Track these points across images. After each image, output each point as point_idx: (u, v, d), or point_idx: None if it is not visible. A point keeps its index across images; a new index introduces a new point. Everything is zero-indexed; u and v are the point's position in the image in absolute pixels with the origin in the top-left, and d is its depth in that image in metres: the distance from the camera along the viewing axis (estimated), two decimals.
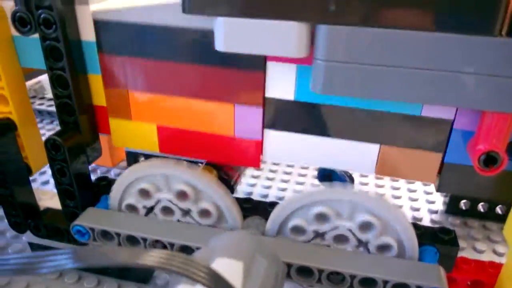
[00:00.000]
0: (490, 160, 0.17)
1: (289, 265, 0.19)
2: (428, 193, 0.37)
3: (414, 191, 0.37)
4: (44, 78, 0.49)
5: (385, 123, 0.18)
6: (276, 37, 0.16)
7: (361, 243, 0.19)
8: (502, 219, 0.32)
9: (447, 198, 0.35)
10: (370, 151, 0.19)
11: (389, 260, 0.19)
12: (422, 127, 0.18)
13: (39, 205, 0.25)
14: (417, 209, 0.35)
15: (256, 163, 0.21)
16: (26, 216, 0.24)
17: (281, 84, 0.19)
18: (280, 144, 0.20)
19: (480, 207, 0.34)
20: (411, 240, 0.19)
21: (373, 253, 0.19)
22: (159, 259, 0.14)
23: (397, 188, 0.38)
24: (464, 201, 0.34)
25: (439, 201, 0.36)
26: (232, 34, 0.17)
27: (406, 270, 0.19)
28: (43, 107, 0.42)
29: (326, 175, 0.28)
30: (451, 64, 0.15)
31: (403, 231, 0.19)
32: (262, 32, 0.16)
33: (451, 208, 0.34)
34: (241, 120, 0.20)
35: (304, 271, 0.19)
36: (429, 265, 0.19)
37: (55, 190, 0.23)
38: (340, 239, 0.20)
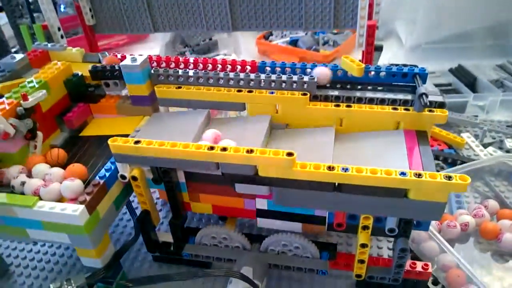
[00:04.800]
0: (339, 225, 0.47)
1: (269, 264, 0.49)
2: None
3: None
4: None
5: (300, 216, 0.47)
6: (259, 190, 0.45)
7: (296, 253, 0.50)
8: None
9: None
10: (298, 225, 0.49)
11: (306, 259, 0.49)
12: (317, 217, 0.47)
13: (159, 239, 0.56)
14: None
15: (253, 217, 0.51)
16: (153, 245, 0.55)
17: (261, 203, 0.48)
18: (263, 221, 0.50)
19: None
20: (316, 252, 0.49)
21: (301, 256, 0.50)
22: (223, 272, 0.44)
23: None
24: None
25: None
26: (240, 186, 0.45)
27: (312, 263, 0.49)
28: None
29: None
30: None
31: (313, 249, 0.49)
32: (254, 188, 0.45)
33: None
34: (247, 203, 0.49)
35: (274, 265, 0.50)
36: (322, 261, 0.49)
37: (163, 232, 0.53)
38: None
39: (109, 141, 0.45)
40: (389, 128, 0.52)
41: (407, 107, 0.50)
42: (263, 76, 0.53)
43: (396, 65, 0.55)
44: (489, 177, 0.65)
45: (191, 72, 0.55)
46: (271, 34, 1.17)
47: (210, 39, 1.13)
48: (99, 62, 0.64)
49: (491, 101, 0.80)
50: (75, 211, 0.43)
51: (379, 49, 0.68)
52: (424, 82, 0.53)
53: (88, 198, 0.45)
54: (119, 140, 0.45)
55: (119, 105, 0.59)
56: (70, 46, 0.66)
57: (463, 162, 0.68)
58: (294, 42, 1.10)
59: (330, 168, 0.41)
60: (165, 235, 0.55)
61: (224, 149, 0.43)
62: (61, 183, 0.46)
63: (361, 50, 0.72)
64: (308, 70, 0.56)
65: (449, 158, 0.69)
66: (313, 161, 0.44)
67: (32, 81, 0.54)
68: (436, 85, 0.86)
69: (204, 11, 0.82)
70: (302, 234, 0.49)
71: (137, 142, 0.45)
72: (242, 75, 0.54)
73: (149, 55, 0.58)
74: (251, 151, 0.42)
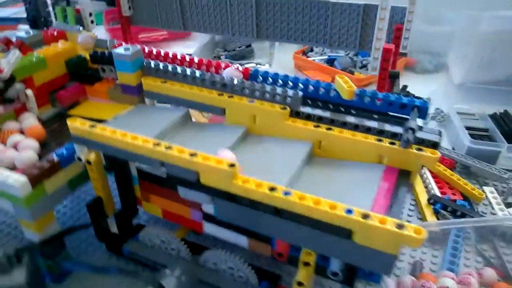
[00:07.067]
0: (280, 255, 0.42)
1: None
2: None
3: None
4: None
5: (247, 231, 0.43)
6: (201, 198, 0.42)
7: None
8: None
9: None
10: (244, 240, 0.44)
11: (240, 284, 0.45)
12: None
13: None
14: None
15: (200, 229, 0.47)
16: (103, 234, 0.53)
17: (208, 208, 0.44)
18: (209, 227, 0.46)
19: None
20: (254, 278, 0.44)
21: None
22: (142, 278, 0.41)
23: None
24: None
25: None
26: (183, 191, 0.43)
27: None
28: None
29: None
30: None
31: (251, 275, 0.44)
32: (196, 195, 0.42)
33: None
34: (193, 213, 0.46)
35: (206, 283, 0.46)
36: None
37: None
38: None
39: (68, 121, 0.45)
40: (371, 161, 0.46)
41: (394, 141, 0.44)
42: (247, 83, 0.50)
43: (405, 94, 0.49)
44: (499, 241, 0.56)
45: (179, 69, 0.54)
46: (311, 50, 1.13)
47: (249, 46, 1.12)
48: (107, 48, 0.65)
49: None
50: (16, 181, 0.43)
51: (395, 76, 0.62)
52: (423, 117, 0.47)
53: (35, 172, 0.44)
54: (77, 121, 0.45)
55: (110, 91, 0.59)
56: (112, 35, 0.68)
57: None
58: (331, 61, 1.05)
59: (272, 188, 0.37)
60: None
61: (169, 147, 0.40)
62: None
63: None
64: (300, 85, 0.52)
65: (458, 211, 0.60)
66: (270, 175, 0.40)
67: (32, 56, 0.56)
68: (469, 128, 0.77)
69: (230, 17, 0.81)
70: (243, 257, 0.45)
71: (92, 126, 0.44)
72: (227, 79, 0.51)
73: (143, 47, 0.57)
74: (195, 154, 0.39)
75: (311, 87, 0.51)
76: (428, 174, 0.69)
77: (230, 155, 0.40)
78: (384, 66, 0.60)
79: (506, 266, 0.53)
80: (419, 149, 0.43)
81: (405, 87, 1.01)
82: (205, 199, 0.42)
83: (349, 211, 0.35)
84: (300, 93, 0.49)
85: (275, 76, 0.53)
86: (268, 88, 0.49)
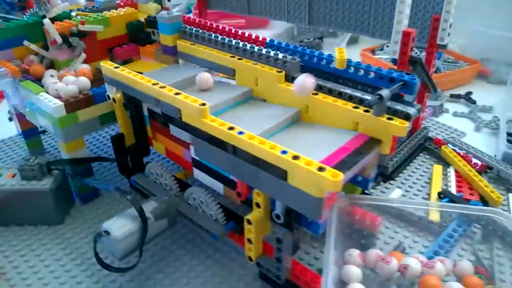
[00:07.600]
0: (239, 194, 0.46)
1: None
2: None
3: None
4: None
5: (219, 175, 0.48)
6: (184, 136, 0.48)
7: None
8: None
9: None
10: (220, 186, 0.50)
11: (208, 219, 0.50)
12: (232, 181, 0.47)
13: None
14: None
15: (191, 169, 0.54)
16: (123, 168, 0.63)
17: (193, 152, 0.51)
18: (197, 173, 0.52)
19: None
20: (219, 215, 0.49)
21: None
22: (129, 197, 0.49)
23: None
24: None
25: None
26: (172, 128, 0.50)
27: (210, 224, 0.49)
28: None
29: None
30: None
31: (217, 211, 0.49)
32: (182, 133, 0.49)
33: None
34: (185, 154, 0.53)
35: (183, 215, 0.52)
36: (219, 226, 0.49)
37: None
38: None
39: (101, 63, 0.55)
40: (348, 127, 0.47)
41: (370, 109, 0.46)
42: (256, 48, 0.56)
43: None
44: (498, 244, 0.51)
45: (206, 34, 0.61)
46: (381, 49, 1.12)
47: (320, 38, 1.15)
48: None
49: None
50: (54, 104, 0.54)
51: (415, 62, 0.60)
52: (410, 92, 0.47)
53: (71, 100, 0.56)
54: (107, 63, 0.55)
55: (155, 52, 0.69)
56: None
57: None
58: (396, 60, 1.02)
59: (230, 128, 0.42)
60: None
61: (163, 87, 0.48)
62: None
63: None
64: (316, 59, 0.55)
65: None
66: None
67: (99, 15, 0.69)
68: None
69: (286, 2, 0.86)
70: (216, 199, 0.50)
71: (116, 67, 0.54)
72: (241, 44, 0.57)
73: (184, 15, 0.66)
74: (178, 93, 0.46)
75: (314, 58, 0.54)
76: (452, 173, 0.66)
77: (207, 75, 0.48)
78: (404, 50, 0.60)
79: (494, 267, 0.49)
80: (390, 118, 0.44)
81: (469, 93, 0.95)
82: (187, 137, 0.48)
83: (284, 152, 0.38)
84: (298, 59, 0.52)
85: (286, 46, 0.58)
86: (272, 53, 0.54)
